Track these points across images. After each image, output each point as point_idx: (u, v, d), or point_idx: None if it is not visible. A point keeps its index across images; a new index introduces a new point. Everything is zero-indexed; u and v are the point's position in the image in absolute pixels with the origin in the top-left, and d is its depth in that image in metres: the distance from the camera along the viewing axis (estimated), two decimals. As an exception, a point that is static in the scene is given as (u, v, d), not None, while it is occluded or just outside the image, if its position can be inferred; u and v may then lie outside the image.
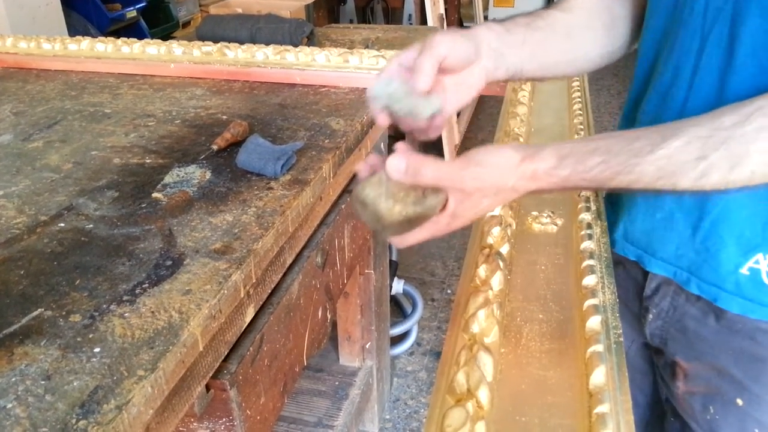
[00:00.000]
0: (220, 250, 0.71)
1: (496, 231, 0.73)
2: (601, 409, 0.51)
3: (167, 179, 0.88)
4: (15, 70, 1.38)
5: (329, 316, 1.06)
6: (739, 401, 0.71)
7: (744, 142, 0.51)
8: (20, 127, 1.07)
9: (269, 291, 0.81)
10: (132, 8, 3.38)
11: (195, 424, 0.73)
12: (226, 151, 0.96)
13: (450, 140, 2.86)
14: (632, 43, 0.80)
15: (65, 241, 0.74)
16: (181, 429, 0.73)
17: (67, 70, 1.36)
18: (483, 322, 0.60)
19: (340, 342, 1.55)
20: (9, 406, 0.51)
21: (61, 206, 0.81)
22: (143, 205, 0.81)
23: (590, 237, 0.73)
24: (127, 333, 0.59)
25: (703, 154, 0.52)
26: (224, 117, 1.10)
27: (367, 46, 1.63)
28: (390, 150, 0.71)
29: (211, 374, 0.69)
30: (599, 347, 0.57)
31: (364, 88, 1.22)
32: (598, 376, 0.54)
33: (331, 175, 0.95)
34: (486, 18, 4.24)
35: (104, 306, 0.62)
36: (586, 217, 0.76)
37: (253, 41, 1.46)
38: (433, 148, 2.44)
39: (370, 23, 4.25)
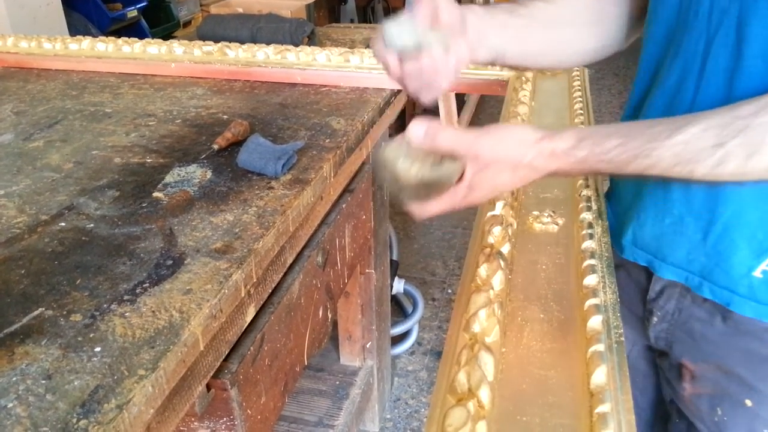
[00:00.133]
0: (221, 250, 0.71)
1: (497, 230, 0.72)
2: (602, 408, 0.51)
3: (168, 179, 0.88)
4: (16, 70, 1.38)
5: (330, 316, 1.06)
6: (748, 402, 0.70)
7: (762, 131, 0.51)
8: (21, 127, 1.07)
9: (270, 290, 0.81)
10: (133, 8, 3.38)
11: (196, 423, 0.73)
12: (227, 150, 0.96)
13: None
14: (626, 41, 0.79)
15: (66, 241, 0.74)
16: (181, 428, 0.73)
17: (67, 70, 1.36)
18: (484, 322, 0.60)
19: (340, 341, 1.55)
20: (10, 405, 0.51)
21: (61, 206, 0.81)
22: (144, 205, 0.81)
23: (591, 236, 0.73)
24: (128, 332, 0.59)
25: (720, 141, 0.52)
26: (225, 116, 1.10)
27: (368, 46, 1.63)
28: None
29: (211, 374, 0.69)
30: (600, 347, 0.57)
31: (365, 88, 1.22)
32: (599, 376, 0.54)
33: (332, 175, 0.95)
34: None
35: (105, 305, 0.62)
36: (587, 216, 0.76)
37: (254, 41, 1.46)
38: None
39: (371, 23, 4.25)
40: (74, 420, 0.49)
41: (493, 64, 0.74)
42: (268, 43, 1.34)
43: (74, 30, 2.58)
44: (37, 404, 0.51)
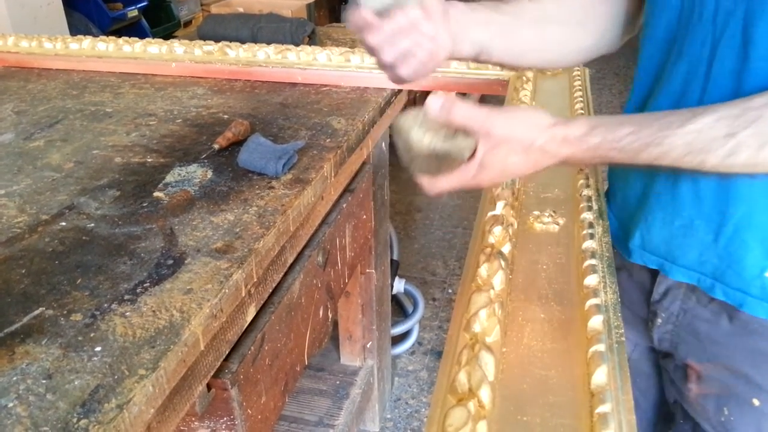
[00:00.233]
0: (222, 250, 0.71)
1: (497, 230, 0.72)
2: (603, 408, 0.51)
3: (168, 178, 0.88)
4: (16, 70, 1.38)
5: (330, 316, 1.06)
6: (755, 401, 0.70)
7: None
8: (21, 126, 1.07)
9: (270, 290, 0.81)
10: (133, 7, 3.38)
11: (196, 423, 0.73)
12: (228, 150, 0.96)
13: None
14: (619, 41, 0.79)
15: (66, 240, 0.74)
16: (182, 428, 0.73)
17: (68, 70, 1.36)
18: (484, 322, 0.60)
19: (341, 341, 1.55)
20: (10, 405, 0.51)
21: (62, 205, 0.81)
22: (144, 204, 0.81)
23: (592, 236, 0.72)
24: (129, 332, 0.59)
25: (732, 131, 0.53)
26: (225, 116, 1.10)
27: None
28: (390, 147, 0.71)
29: (212, 373, 0.69)
30: (601, 347, 0.57)
31: (366, 88, 1.22)
32: (600, 376, 0.54)
33: (333, 175, 0.95)
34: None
35: (105, 305, 0.62)
36: (588, 216, 0.76)
37: (255, 40, 1.46)
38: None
39: (371, 22, 4.24)
40: (75, 419, 0.49)
41: (478, 60, 0.73)
42: (268, 43, 1.34)
43: (75, 30, 2.58)
44: (37, 404, 0.51)
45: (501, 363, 0.57)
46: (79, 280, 0.66)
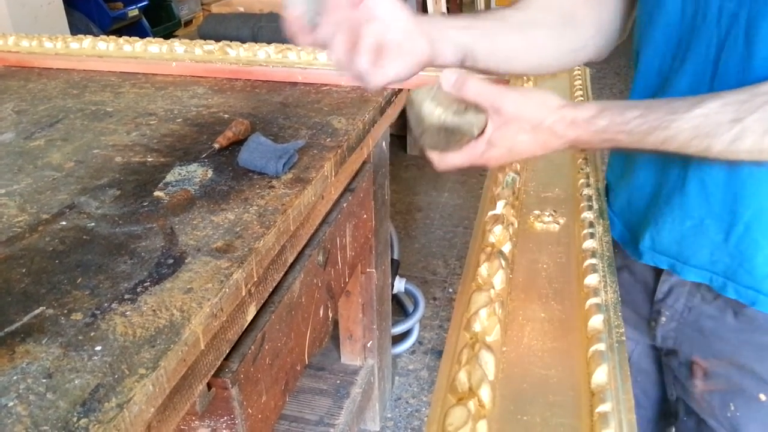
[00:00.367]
0: (222, 249, 0.71)
1: (498, 230, 0.72)
2: (603, 408, 0.51)
3: (169, 178, 0.88)
4: (17, 69, 1.38)
5: (331, 315, 1.06)
6: (762, 396, 0.70)
7: None
8: (22, 126, 1.07)
9: (271, 289, 0.81)
10: (134, 7, 3.39)
11: (196, 422, 0.73)
12: (228, 149, 0.96)
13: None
14: (607, 47, 0.78)
15: (67, 240, 0.74)
16: (182, 427, 0.74)
17: (68, 69, 1.36)
18: (485, 321, 0.60)
19: (341, 341, 1.55)
20: (10, 404, 0.51)
21: (62, 205, 0.81)
22: (145, 204, 0.81)
23: (592, 236, 0.72)
24: (129, 331, 0.59)
25: (738, 116, 0.53)
26: (226, 115, 1.10)
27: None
28: (391, 147, 0.70)
29: (212, 373, 0.69)
30: (601, 346, 0.57)
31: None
32: (600, 375, 0.54)
33: (333, 174, 0.95)
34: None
35: (106, 304, 0.62)
36: (589, 215, 0.76)
37: (255, 40, 1.46)
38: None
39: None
40: (75, 419, 0.49)
41: (464, 67, 0.70)
42: (269, 42, 1.34)
43: (75, 29, 2.59)
44: (37, 403, 0.51)
45: (501, 362, 0.57)
46: (79, 280, 0.66)
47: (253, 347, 0.76)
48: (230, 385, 0.71)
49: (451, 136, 0.60)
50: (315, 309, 0.96)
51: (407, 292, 2.02)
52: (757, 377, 0.70)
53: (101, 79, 1.30)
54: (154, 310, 0.61)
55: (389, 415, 1.75)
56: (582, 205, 0.79)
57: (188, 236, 0.74)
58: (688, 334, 0.75)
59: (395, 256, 2.01)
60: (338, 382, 1.52)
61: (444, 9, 3.18)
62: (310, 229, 0.92)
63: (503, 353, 0.58)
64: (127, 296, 0.64)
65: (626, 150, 0.59)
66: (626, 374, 0.55)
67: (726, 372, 0.73)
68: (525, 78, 1.14)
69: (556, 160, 0.91)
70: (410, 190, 2.89)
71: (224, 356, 0.71)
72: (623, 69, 4.37)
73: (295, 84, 1.25)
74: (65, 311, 0.62)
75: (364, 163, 1.17)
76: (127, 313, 0.61)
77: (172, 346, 0.57)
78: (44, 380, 0.53)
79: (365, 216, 1.22)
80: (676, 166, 0.68)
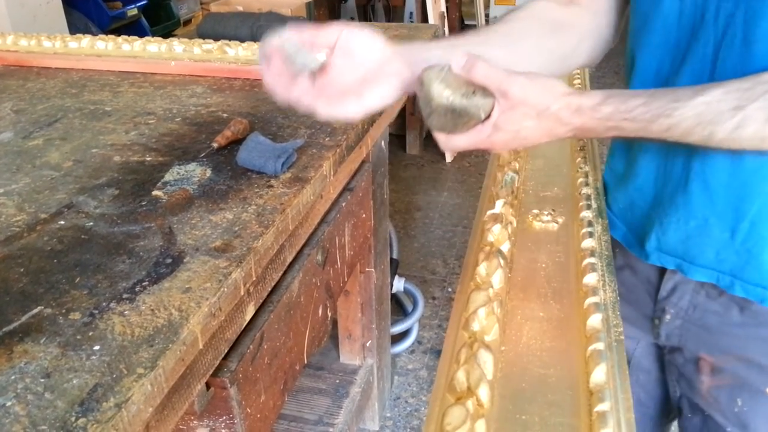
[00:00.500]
0: (220, 248, 0.71)
1: (496, 229, 0.72)
2: (602, 407, 0.51)
3: (167, 177, 0.88)
4: (16, 68, 1.38)
5: (330, 314, 1.06)
6: None
7: None
8: (20, 125, 1.07)
9: (269, 289, 0.81)
10: (133, 6, 3.38)
11: (195, 422, 0.73)
12: (227, 149, 0.96)
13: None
14: (599, 52, 0.78)
15: (65, 239, 0.74)
16: (181, 427, 0.73)
17: (67, 68, 1.36)
18: (483, 320, 0.60)
19: (340, 340, 1.55)
20: (8, 404, 0.51)
21: (61, 204, 0.81)
22: (143, 203, 0.81)
23: (591, 235, 0.73)
24: (127, 331, 0.59)
25: (740, 104, 0.53)
26: (225, 115, 1.10)
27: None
28: (390, 146, 0.70)
29: (211, 372, 0.69)
30: (600, 345, 0.57)
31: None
32: (599, 375, 0.54)
33: (332, 173, 0.95)
34: (487, 16, 4.21)
35: (104, 304, 0.62)
36: (587, 215, 0.76)
37: (254, 39, 1.46)
38: (435, 147, 2.42)
39: (370, 21, 4.24)
40: (73, 418, 0.49)
41: None
42: (268, 42, 1.34)
43: (74, 28, 2.58)
44: (35, 403, 0.51)
45: (500, 361, 0.57)
46: (77, 279, 0.66)
47: (251, 347, 0.76)
48: (229, 385, 0.71)
49: (459, 118, 0.60)
50: (314, 308, 0.96)
51: (406, 291, 2.02)
52: (763, 371, 0.71)
53: (100, 79, 1.30)
54: (152, 310, 0.61)
55: (388, 415, 1.76)
56: (581, 204, 0.79)
57: (187, 236, 0.74)
58: (693, 331, 0.75)
59: (394, 256, 2.01)
60: (337, 381, 1.52)
61: (443, 8, 3.18)
62: (309, 229, 0.92)
63: (502, 352, 0.58)
64: (125, 296, 0.64)
65: (630, 138, 0.60)
66: (625, 373, 0.55)
67: (733, 367, 0.73)
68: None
69: (554, 160, 0.91)
70: (409, 189, 2.90)
71: (223, 356, 0.71)
72: (622, 68, 4.36)
73: (294, 83, 1.25)
74: (63, 311, 0.61)
75: (363, 162, 1.17)
76: (126, 312, 0.61)
77: (170, 345, 0.57)
78: (42, 380, 0.53)
79: (364, 215, 1.22)
80: (678, 166, 0.68)
